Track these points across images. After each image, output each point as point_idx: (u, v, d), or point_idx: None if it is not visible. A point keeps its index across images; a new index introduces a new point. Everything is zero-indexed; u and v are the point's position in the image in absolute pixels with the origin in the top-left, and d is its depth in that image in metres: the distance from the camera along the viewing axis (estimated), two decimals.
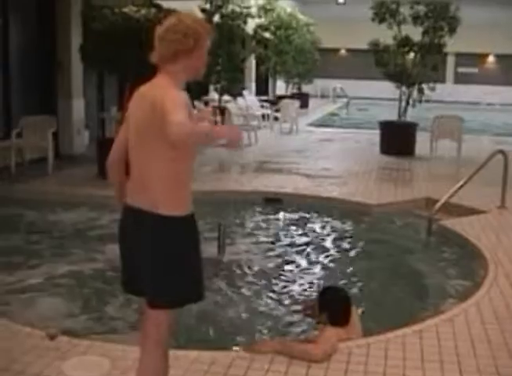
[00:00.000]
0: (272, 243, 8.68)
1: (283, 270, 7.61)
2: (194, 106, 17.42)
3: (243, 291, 6.89)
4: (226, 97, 19.51)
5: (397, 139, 15.67)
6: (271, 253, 8.22)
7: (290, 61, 24.97)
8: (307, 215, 9.99)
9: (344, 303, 4.99)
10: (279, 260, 7.95)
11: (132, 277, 3.65)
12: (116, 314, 6.07)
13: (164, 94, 3.46)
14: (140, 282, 3.57)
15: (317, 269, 7.72)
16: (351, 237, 9.03)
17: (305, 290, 6.94)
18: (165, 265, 3.49)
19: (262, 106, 21.67)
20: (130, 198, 3.67)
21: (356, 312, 5.14)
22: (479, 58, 39.57)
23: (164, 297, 3.51)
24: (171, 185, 3.55)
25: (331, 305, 4.93)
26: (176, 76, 3.63)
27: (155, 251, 3.50)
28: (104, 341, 4.97)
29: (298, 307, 5.91)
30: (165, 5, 13.70)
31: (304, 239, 8.89)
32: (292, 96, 24.99)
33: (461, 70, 39.97)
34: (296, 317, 5.89)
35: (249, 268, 7.63)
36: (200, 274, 3.63)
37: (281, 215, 10.07)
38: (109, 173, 3.91)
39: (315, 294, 5.51)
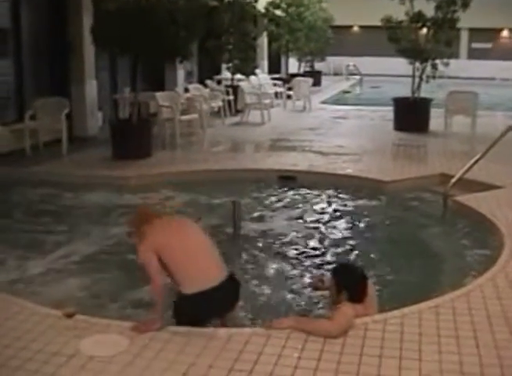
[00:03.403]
0: (287, 220, 8.69)
1: (298, 247, 7.63)
2: (206, 86, 17.48)
3: (259, 267, 6.93)
4: (239, 76, 19.45)
5: (411, 115, 15.57)
6: (285, 230, 8.23)
7: (303, 39, 24.81)
8: (321, 193, 9.98)
9: (361, 280, 4.99)
10: (294, 237, 7.97)
11: None
12: (133, 292, 6.11)
13: None
14: None
15: (332, 245, 7.74)
16: (366, 214, 9.04)
17: (321, 266, 6.96)
18: None
19: (275, 85, 21.57)
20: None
21: (373, 288, 5.14)
22: (493, 33, 39.12)
23: None
24: None
25: (349, 283, 4.92)
26: None
27: None
28: (122, 320, 5.00)
29: (311, 285, 5.92)
30: None
31: (319, 216, 8.90)
32: (305, 74, 24.84)
33: (475, 45, 39.57)
34: (312, 293, 5.90)
35: (264, 245, 7.66)
36: None
37: (295, 192, 10.07)
38: None
39: (329, 270, 5.50)
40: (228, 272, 4.93)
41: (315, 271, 6.73)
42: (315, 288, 5.62)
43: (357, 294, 4.89)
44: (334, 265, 5.71)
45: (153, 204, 5.03)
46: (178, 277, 4.77)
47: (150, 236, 4.80)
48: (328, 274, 5.29)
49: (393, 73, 30.81)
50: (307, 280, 6.51)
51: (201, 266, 4.80)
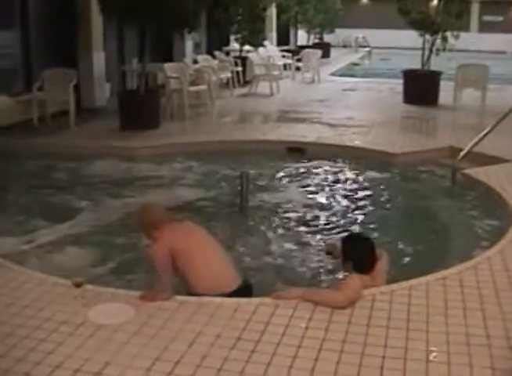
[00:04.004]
0: (295, 191, 8.69)
1: (307, 217, 7.64)
2: (214, 57, 17.40)
3: (267, 238, 6.94)
4: (247, 47, 19.35)
5: (420, 88, 15.46)
6: (294, 201, 8.23)
7: (312, 10, 24.64)
8: (330, 164, 9.97)
9: (369, 250, 4.98)
10: (303, 208, 7.98)
11: None
12: (140, 261, 6.13)
13: None
14: None
15: (341, 216, 7.75)
16: (374, 186, 9.03)
17: (329, 237, 6.96)
18: None
19: (284, 56, 21.46)
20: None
21: (385, 258, 5.11)
22: (504, 6, 38.71)
23: None
24: None
25: (356, 253, 4.92)
26: None
27: None
28: (128, 289, 5.01)
29: (323, 250, 5.91)
30: None
31: (328, 187, 8.91)
32: (314, 46, 24.69)
33: (486, 18, 39.22)
34: (320, 264, 5.91)
35: (272, 215, 7.68)
36: None
37: (304, 164, 10.05)
38: None
39: (339, 240, 5.49)
40: (242, 278, 5.01)
41: (325, 239, 6.73)
42: (328, 253, 5.61)
43: (361, 265, 4.87)
44: (344, 234, 5.70)
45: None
46: (192, 281, 4.84)
47: (167, 240, 4.85)
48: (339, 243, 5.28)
49: (402, 45, 30.59)
50: (315, 249, 6.52)
51: (217, 272, 4.90)
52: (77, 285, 4.75)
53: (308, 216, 7.71)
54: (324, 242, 6.50)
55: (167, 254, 4.76)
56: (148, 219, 5.06)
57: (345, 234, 6.08)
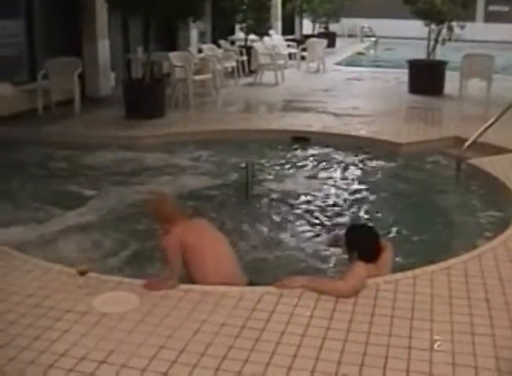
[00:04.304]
0: (300, 180, 8.70)
1: (311, 206, 7.64)
2: (219, 46, 17.36)
3: (272, 226, 6.95)
4: (252, 36, 19.30)
5: (426, 77, 15.40)
6: (298, 190, 8.24)
7: (317, 0, 24.57)
8: (335, 154, 9.97)
9: (374, 239, 4.98)
10: (307, 197, 7.98)
11: None
12: (145, 251, 6.15)
13: None
14: None
15: (346, 205, 7.75)
16: (379, 175, 9.04)
17: (334, 226, 6.97)
18: None
19: (289, 46, 21.40)
20: None
21: (390, 249, 5.11)
22: None
23: None
24: None
25: (361, 242, 4.93)
26: None
27: None
28: (133, 278, 5.02)
29: (327, 240, 5.92)
30: None
31: (333, 176, 8.92)
32: (319, 36, 24.61)
33: (492, 8, 39.02)
34: (325, 253, 5.91)
35: (277, 204, 7.70)
36: None
37: (309, 153, 10.04)
38: None
39: (343, 228, 5.50)
40: (248, 278, 5.06)
41: (329, 230, 6.73)
42: (330, 245, 5.61)
43: (367, 254, 4.88)
44: (348, 224, 5.70)
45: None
46: (199, 278, 4.89)
47: (179, 233, 4.90)
48: (342, 232, 5.28)
49: (408, 35, 30.44)
50: (319, 239, 6.52)
51: (225, 271, 4.94)
52: (82, 273, 4.76)
53: (313, 205, 7.71)
54: (327, 231, 6.48)
55: (178, 246, 4.81)
56: (161, 211, 5.11)
57: (349, 224, 6.10)
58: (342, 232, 5.28)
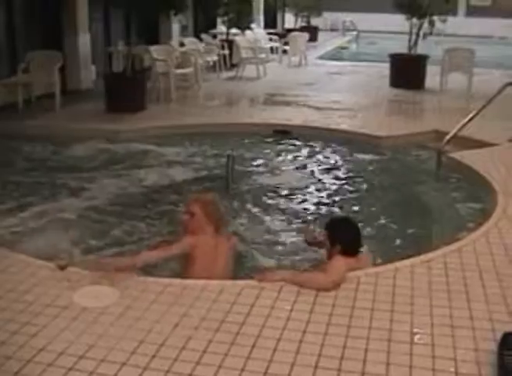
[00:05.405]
0: (281, 174, 8.71)
1: (291, 200, 7.65)
2: (201, 40, 17.31)
3: (252, 220, 6.95)
4: (234, 30, 19.26)
5: (407, 71, 15.45)
6: (279, 183, 8.26)
7: None
8: (316, 147, 9.99)
9: (355, 233, 5.01)
10: (288, 190, 8.00)
11: None
12: (124, 245, 6.14)
13: None
14: None
15: (325, 199, 7.76)
16: (360, 169, 9.06)
17: (314, 220, 6.98)
18: None
19: (271, 39, 21.40)
20: None
21: (369, 260, 5.16)
22: None
23: None
24: None
25: (342, 236, 4.95)
26: None
27: None
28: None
29: (303, 236, 5.92)
30: None
31: (314, 170, 8.93)
32: (301, 29, 24.61)
33: (473, 2, 39.17)
34: (305, 246, 5.91)
35: (257, 196, 7.70)
36: None
37: (290, 146, 10.05)
38: None
39: (322, 223, 5.50)
40: None
41: (305, 225, 6.73)
42: (310, 244, 5.63)
43: (351, 247, 4.91)
44: (329, 219, 5.72)
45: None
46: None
47: (198, 242, 5.00)
48: (318, 228, 5.30)
49: (390, 29, 30.53)
50: (299, 234, 6.52)
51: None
52: (61, 268, 4.73)
53: (293, 198, 7.72)
54: (301, 230, 6.47)
55: (183, 250, 4.91)
56: (208, 211, 5.16)
57: (330, 217, 6.11)
58: (316, 229, 5.32)
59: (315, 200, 7.69)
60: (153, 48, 13.79)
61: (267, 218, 7.05)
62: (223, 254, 5.17)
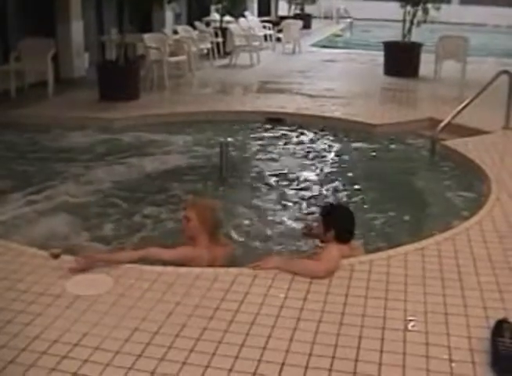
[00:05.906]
0: (274, 161, 8.71)
1: (285, 187, 7.64)
2: (195, 27, 17.25)
3: (246, 207, 6.93)
4: (228, 18, 19.19)
5: (401, 59, 15.43)
6: (273, 171, 8.25)
7: None
8: (309, 135, 9.99)
9: (350, 219, 5.01)
10: (281, 177, 7.99)
11: None
12: (118, 233, 6.13)
13: None
14: None
15: (319, 186, 7.76)
16: (354, 157, 9.07)
17: (308, 207, 6.99)
18: None
19: (264, 27, 21.34)
20: None
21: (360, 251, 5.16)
22: None
23: None
24: None
25: (336, 221, 4.96)
26: None
27: None
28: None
29: (301, 228, 5.92)
30: None
31: (307, 157, 8.93)
32: (295, 17, 24.53)
33: None
34: (299, 234, 5.91)
35: (251, 184, 7.70)
36: None
37: (283, 134, 10.05)
38: None
39: (316, 212, 5.51)
40: None
41: (303, 215, 6.74)
42: (306, 235, 5.64)
43: (344, 233, 4.92)
44: (323, 205, 5.72)
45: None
46: None
47: (197, 253, 4.97)
48: (315, 216, 5.30)
49: (384, 17, 30.48)
50: (294, 220, 6.53)
51: None
52: (55, 256, 4.72)
53: (287, 185, 7.72)
54: (303, 222, 6.47)
55: (179, 261, 4.85)
56: (204, 219, 5.07)
57: (325, 204, 6.12)
58: (313, 221, 5.32)
59: (310, 187, 7.69)
60: (146, 36, 13.73)
61: (261, 204, 7.06)
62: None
